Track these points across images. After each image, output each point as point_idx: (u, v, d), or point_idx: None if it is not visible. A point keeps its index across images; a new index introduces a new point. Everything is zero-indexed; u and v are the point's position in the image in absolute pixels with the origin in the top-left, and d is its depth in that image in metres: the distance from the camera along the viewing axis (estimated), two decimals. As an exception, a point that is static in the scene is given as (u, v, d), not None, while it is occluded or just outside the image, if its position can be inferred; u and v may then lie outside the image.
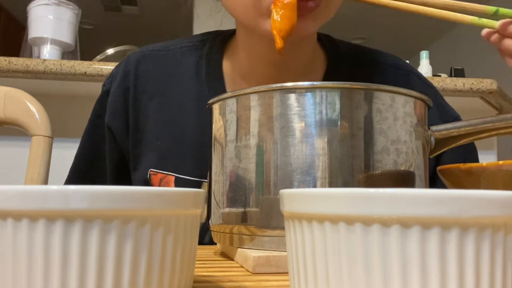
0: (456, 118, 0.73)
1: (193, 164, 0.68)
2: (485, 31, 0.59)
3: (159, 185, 0.69)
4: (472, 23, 0.57)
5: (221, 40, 0.73)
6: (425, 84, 0.74)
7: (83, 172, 0.77)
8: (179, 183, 0.68)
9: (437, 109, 0.72)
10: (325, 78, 0.70)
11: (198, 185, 0.67)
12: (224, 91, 0.69)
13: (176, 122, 0.70)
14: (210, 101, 0.50)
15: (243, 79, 0.70)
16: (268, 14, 0.57)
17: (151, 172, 0.69)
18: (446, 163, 0.55)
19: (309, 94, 0.43)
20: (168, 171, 0.69)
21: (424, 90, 0.72)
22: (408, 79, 0.73)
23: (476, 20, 0.57)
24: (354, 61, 0.73)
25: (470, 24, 0.57)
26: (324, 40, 0.74)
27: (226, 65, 0.72)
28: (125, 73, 0.73)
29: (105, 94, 0.75)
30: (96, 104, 0.76)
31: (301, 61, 0.69)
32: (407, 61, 0.79)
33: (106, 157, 0.75)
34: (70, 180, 0.77)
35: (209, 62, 0.71)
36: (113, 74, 0.75)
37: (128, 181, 0.74)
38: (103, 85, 0.76)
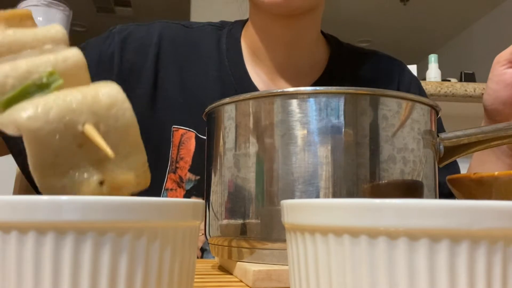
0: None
1: None
2: None
3: (180, 141, 0.75)
4: None
5: (239, 23, 0.84)
6: (413, 76, 0.88)
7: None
8: (198, 141, 0.74)
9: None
10: (330, 58, 0.82)
11: None
12: (242, 64, 0.79)
13: (197, 85, 0.77)
14: (207, 109, 0.50)
15: (256, 55, 0.80)
16: None
17: (174, 129, 0.75)
18: None
19: (311, 99, 0.43)
20: (190, 128, 0.75)
21: (412, 77, 0.86)
22: (401, 66, 0.87)
23: None
24: (353, 51, 0.87)
25: None
26: (326, 35, 0.86)
27: (243, 43, 0.81)
28: (148, 31, 0.79)
29: (124, 38, 0.78)
30: (104, 39, 0.79)
31: (305, 38, 0.78)
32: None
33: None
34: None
35: (229, 40, 0.81)
36: (130, 31, 0.79)
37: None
38: (115, 31, 0.79)
